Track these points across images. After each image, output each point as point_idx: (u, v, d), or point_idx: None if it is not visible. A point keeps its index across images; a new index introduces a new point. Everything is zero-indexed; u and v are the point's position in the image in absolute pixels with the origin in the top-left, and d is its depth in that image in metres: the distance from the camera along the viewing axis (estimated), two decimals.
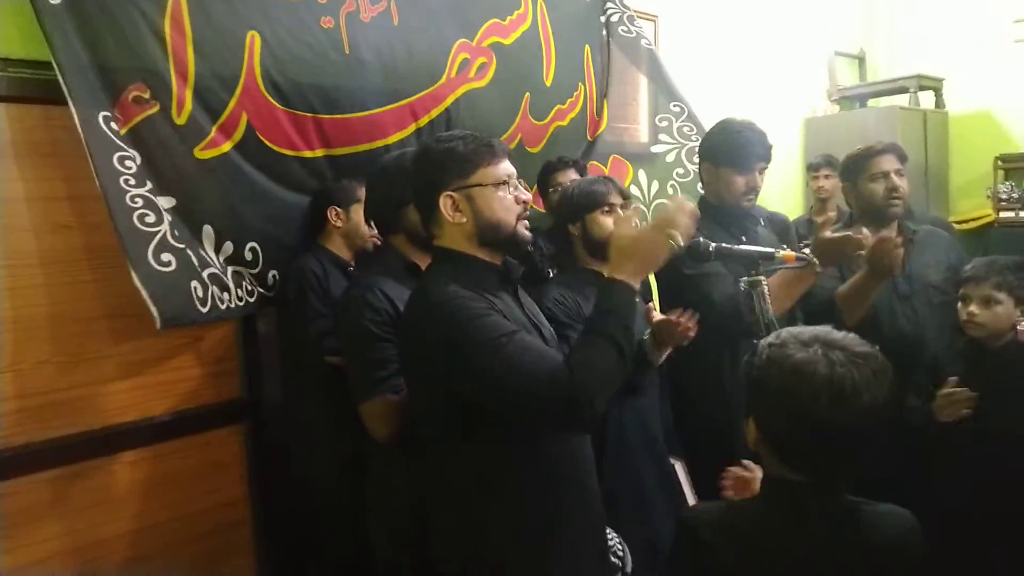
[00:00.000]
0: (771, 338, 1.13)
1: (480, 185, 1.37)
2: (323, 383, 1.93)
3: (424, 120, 2.30)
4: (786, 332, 1.13)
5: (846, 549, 1.08)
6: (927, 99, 4.52)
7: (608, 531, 1.58)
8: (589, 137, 2.87)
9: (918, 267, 2.19)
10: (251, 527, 2.24)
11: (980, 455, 1.83)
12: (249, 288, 2.00)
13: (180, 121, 1.86)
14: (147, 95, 1.80)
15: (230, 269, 1.95)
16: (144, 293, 1.71)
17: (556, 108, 2.71)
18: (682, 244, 1.33)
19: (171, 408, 2.06)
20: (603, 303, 1.30)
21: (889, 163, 2.20)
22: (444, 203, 1.37)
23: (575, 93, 2.78)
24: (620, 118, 3.00)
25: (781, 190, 4.12)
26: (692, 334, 1.70)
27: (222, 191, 1.94)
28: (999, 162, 4.44)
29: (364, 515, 1.72)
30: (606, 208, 1.95)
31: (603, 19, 2.92)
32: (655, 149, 3.00)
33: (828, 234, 1.87)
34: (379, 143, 2.20)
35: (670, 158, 3.00)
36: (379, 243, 1.96)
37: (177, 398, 2.07)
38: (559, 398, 1.20)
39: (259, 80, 1.96)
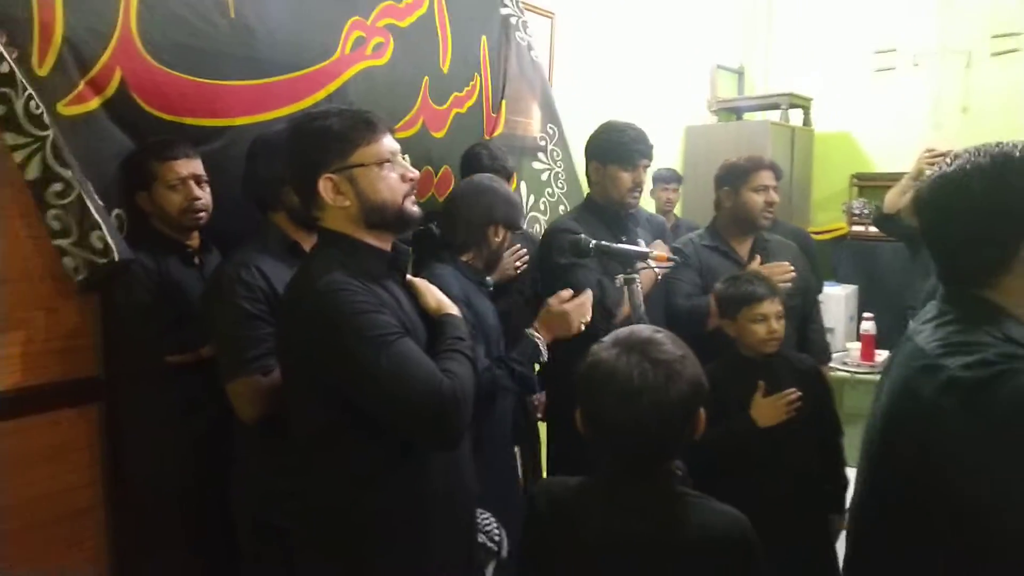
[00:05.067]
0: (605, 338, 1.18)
1: (362, 165, 1.30)
2: (170, 369, 1.82)
3: (322, 93, 2.22)
4: (614, 333, 1.18)
5: (655, 536, 1.11)
6: (796, 116, 4.85)
7: (488, 517, 1.61)
8: (486, 136, 2.87)
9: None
10: (103, 513, 2.09)
11: (766, 456, 1.89)
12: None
13: (41, 72, 1.68)
14: (3, 40, 1.62)
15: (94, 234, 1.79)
16: None
17: (454, 95, 2.70)
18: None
19: (12, 385, 1.88)
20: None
21: (770, 179, 2.41)
22: (324, 186, 1.29)
23: (471, 82, 2.78)
24: (515, 111, 3.04)
25: None
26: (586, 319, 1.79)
27: (88, 152, 1.76)
28: (855, 180, 4.85)
29: (223, 501, 1.66)
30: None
31: (502, 13, 2.92)
32: (535, 165, 3.10)
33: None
34: (271, 114, 2.08)
35: (544, 177, 3.12)
36: (199, 210, 1.84)
37: (19, 374, 1.89)
38: (438, 408, 1.21)
39: (135, 35, 1.81)
